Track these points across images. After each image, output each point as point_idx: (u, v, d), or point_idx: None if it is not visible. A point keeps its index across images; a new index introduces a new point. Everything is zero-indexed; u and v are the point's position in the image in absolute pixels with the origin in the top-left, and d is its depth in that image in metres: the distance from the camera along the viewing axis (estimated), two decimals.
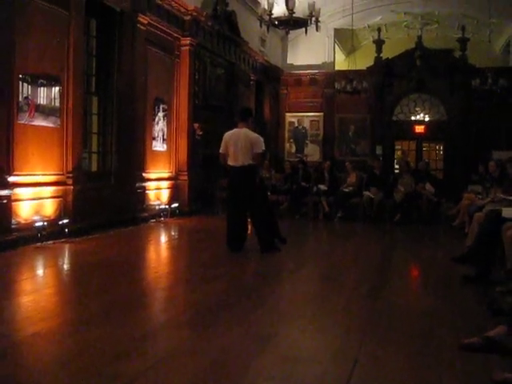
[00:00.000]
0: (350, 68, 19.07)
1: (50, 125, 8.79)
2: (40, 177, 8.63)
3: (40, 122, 8.54)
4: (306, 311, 5.13)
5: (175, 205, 12.34)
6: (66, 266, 7.42)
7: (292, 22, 10.95)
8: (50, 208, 8.82)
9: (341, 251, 9.21)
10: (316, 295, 5.92)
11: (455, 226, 11.05)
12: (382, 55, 19.01)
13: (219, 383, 3.31)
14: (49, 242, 8.27)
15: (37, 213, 8.49)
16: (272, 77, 19.29)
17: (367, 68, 18.91)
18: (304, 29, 11.28)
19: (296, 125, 20.22)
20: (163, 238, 10.38)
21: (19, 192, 8.14)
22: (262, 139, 8.31)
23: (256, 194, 8.24)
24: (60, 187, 9.04)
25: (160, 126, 12.18)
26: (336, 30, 19.77)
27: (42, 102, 8.56)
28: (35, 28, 8.40)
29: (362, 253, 9.03)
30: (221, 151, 8.29)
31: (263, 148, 8.24)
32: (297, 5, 10.84)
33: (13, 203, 7.99)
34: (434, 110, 19.27)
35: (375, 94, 18.85)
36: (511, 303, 3.97)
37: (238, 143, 8.09)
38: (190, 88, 13.08)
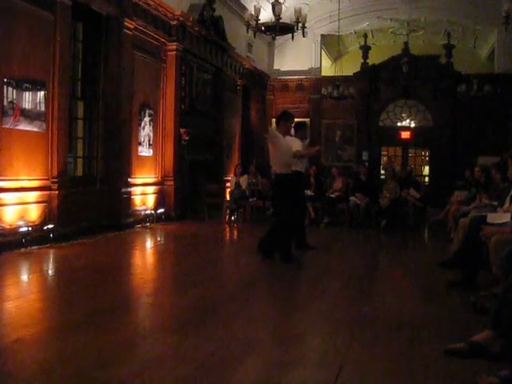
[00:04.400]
0: (336, 74, 19.13)
1: (35, 129, 8.73)
2: (25, 181, 8.57)
3: (25, 126, 8.48)
4: (292, 316, 5.12)
5: (161, 210, 12.31)
6: (50, 272, 7.38)
7: (279, 28, 10.94)
8: (34, 213, 8.76)
9: (326, 257, 9.20)
10: (301, 300, 5.91)
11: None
12: (368, 61, 19.13)
13: None
14: (33, 248, 8.22)
15: (21, 218, 8.42)
16: (259, 82, 19.33)
17: (354, 74, 19.00)
18: (291, 34, 11.30)
19: None
20: (149, 244, 10.33)
21: (3, 197, 8.09)
22: (291, 140, 8.30)
23: (282, 203, 8.04)
24: (45, 192, 8.98)
25: (146, 131, 12.14)
26: (323, 36, 19.88)
27: (27, 107, 8.50)
28: (20, 31, 8.35)
29: (348, 258, 9.03)
30: None
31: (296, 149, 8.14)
32: (283, 10, 10.86)
33: None
34: (419, 116, 19.37)
35: (361, 99, 18.93)
36: (495, 307, 3.97)
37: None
38: (177, 93, 13.05)
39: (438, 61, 18.78)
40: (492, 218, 6.01)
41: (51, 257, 8.12)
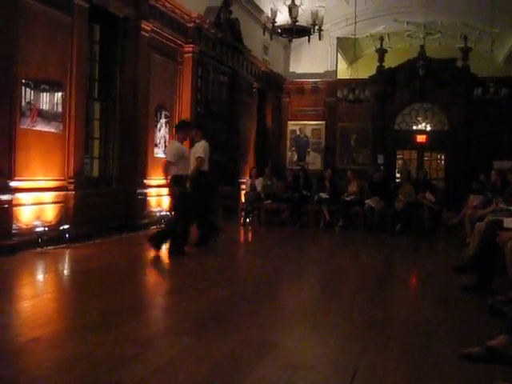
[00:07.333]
0: (352, 77, 19.07)
1: (52, 130, 8.79)
2: (41, 182, 8.63)
3: (42, 127, 8.55)
4: (306, 319, 5.12)
5: None
6: (66, 272, 7.41)
7: (295, 31, 10.95)
8: (50, 213, 8.81)
9: (341, 260, 9.19)
10: (316, 304, 5.91)
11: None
12: (384, 64, 19.05)
13: None
14: (49, 248, 8.26)
15: (38, 218, 8.48)
16: (274, 85, 19.33)
17: (369, 77, 18.90)
18: (307, 37, 11.30)
19: (298, 133, 20.23)
20: (163, 245, 10.32)
21: (20, 197, 8.13)
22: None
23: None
24: (61, 192, 9.04)
25: (162, 133, 12.16)
26: (339, 39, 19.81)
27: (44, 108, 8.56)
28: (38, 33, 8.42)
29: (363, 262, 9.02)
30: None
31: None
32: (300, 13, 10.85)
33: (14, 208, 7.98)
34: (435, 119, 19.26)
35: (377, 103, 18.86)
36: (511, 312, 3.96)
37: None
38: (193, 95, 13.07)
39: (455, 64, 18.67)
40: (508, 222, 5.98)
41: (67, 257, 8.17)
